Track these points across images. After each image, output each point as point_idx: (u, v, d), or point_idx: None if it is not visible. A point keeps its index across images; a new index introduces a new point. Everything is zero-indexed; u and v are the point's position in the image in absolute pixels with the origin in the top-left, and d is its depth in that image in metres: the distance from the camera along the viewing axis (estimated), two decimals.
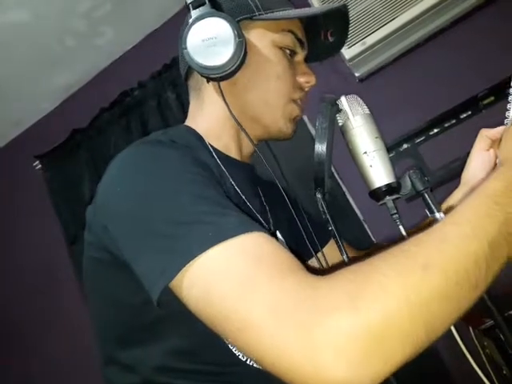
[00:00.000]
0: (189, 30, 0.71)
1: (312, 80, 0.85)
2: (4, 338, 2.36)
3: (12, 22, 1.90)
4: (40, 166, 2.41)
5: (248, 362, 0.69)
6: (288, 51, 0.83)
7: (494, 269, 0.50)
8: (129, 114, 2.24)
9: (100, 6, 2.03)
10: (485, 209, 0.53)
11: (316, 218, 0.96)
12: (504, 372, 1.01)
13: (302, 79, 0.84)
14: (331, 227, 0.69)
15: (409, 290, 0.46)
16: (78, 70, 2.34)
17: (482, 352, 1.02)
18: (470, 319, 1.02)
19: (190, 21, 0.71)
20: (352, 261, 0.60)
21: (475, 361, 0.69)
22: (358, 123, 0.71)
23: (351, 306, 0.45)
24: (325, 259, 0.91)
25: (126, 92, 2.25)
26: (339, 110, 0.73)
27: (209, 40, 0.70)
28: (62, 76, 2.33)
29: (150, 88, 2.21)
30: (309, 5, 1.81)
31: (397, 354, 0.45)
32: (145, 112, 2.21)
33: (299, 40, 0.84)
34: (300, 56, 0.86)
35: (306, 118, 1.92)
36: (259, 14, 0.79)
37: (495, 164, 0.77)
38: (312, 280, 0.49)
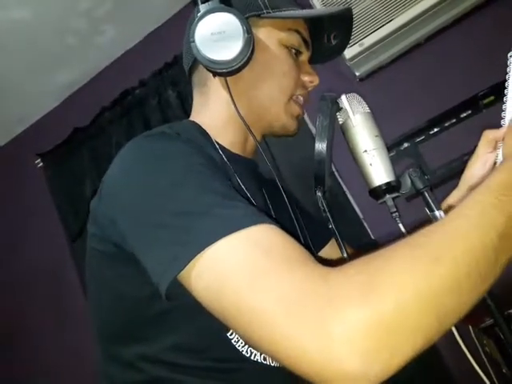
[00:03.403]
0: (198, 23, 0.70)
1: (315, 80, 0.86)
2: (7, 337, 2.36)
3: (13, 20, 1.90)
4: (42, 163, 2.42)
5: (252, 358, 0.69)
6: (293, 50, 0.84)
7: (503, 260, 0.51)
8: (130, 112, 2.24)
9: (101, 5, 2.03)
10: (492, 201, 0.53)
11: (317, 217, 0.97)
12: (504, 371, 1.01)
13: (306, 78, 0.85)
14: (331, 225, 0.69)
15: (420, 282, 0.46)
16: (80, 68, 2.34)
17: (481, 351, 1.02)
18: (469, 318, 1.02)
19: (199, 14, 0.71)
20: (352, 259, 0.60)
21: (475, 359, 0.69)
22: (358, 122, 0.72)
23: (363, 298, 0.45)
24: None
25: (127, 90, 2.25)
26: (339, 109, 0.74)
27: (217, 34, 0.70)
28: (64, 74, 2.33)
29: (151, 86, 2.21)
30: (311, 7, 1.81)
31: (408, 345, 0.45)
32: (146, 110, 2.21)
33: (304, 40, 0.85)
34: (304, 56, 0.87)
35: (306, 117, 1.92)
36: (267, 12, 0.80)
37: (494, 163, 0.78)
38: (323, 271, 0.49)
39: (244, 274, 0.50)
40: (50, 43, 2.10)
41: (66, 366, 2.18)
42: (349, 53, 1.72)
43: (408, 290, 0.45)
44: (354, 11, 1.71)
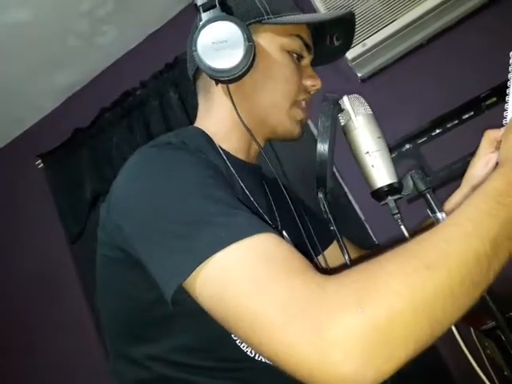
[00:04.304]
0: (199, 32, 0.71)
1: (318, 84, 0.86)
2: (7, 339, 2.36)
3: (14, 21, 1.90)
4: (42, 164, 2.42)
5: (256, 358, 0.70)
6: (295, 55, 0.84)
7: (496, 267, 0.52)
8: (131, 113, 2.24)
9: (102, 6, 2.03)
10: (486, 208, 0.54)
11: (322, 218, 0.97)
12: (505, 373, 1.01)
13: (308, 83, 0.85)
14: (332, 227, 0.69)
15: (414, 290, 0.47)
16: (80, 69, 2.34)
17: (483, 353, 1.02)
18: (471, 320, 1.02)
19: (201, 23, 0.72)
20: (354, 261, 0.60)
21: (476, 361, 0.69)
22: (360, 123, 0.72)
23: (358, 306, 0.46)
24: (325, 261, 0.92)
25: (127, 92, 2.25)
26: (341, 110, 0.73)
27: (219, 43, 0.71)
28: (64, 75, 2.33)
29: (151, 88, 2.21)
30: (312, 7, 1.81)
31: (402, 351, 0.46)
32: (147, 112, 2.20)
33: (306, 44, 0.85)
34: (306, 60, 0.87)
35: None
36: (268, 18, 0.80)
37: (497, 163, 0.78)
38: (320, 280, 0.51)
39: (245, 281, 0.52)
40: (50, 44, 2.10)
41: (66, 367, 2.18)
42: (351, 53, 1.72)
43: (401, 297, 0.47)
44: (357, 12, 1.70)
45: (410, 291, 0.47)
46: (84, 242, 2.23)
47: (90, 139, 2.32)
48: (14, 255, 2.44)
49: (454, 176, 1.69)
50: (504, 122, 0.75)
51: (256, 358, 0.70)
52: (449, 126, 1.78)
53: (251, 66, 0.75)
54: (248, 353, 0.69)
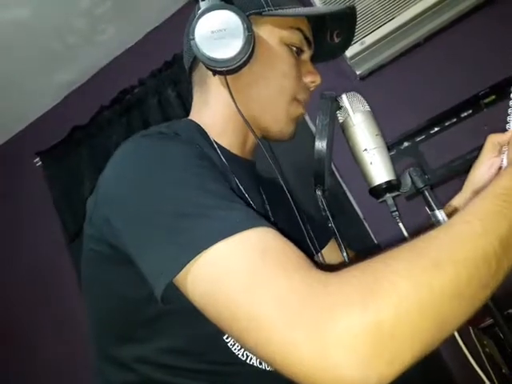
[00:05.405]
0: (198, 20, 0.69)
1: (317, 80, 0.84)
2: (4, 338, 2.36)
3: (13, 19, 1.90)
4: (40, 162, 2.41)
5: (248, 362, 0.67)
6: (295, 49, 0.82)
7: (505, 266, 0.50)
8: (129, 111, 2.24)
9: (101, 4, 2.03)
10: (495, 207, 0.52)
11: (317, 218, 0.96)
12: (503, 371, 1.01)
13: (307, 79, 0.84)
14: (331, 224, 0.69)
15: (420, 288, 0.45)
16: (79, 67, 2.33)
17: (481, 351, 1.02)
18: (470, 318, 1.02)
19: (199, 12, 0.70)
20: (352, 260, 0.59)
21: (475, 359, 0.69)
22: (358, 120, 0.72)
23: (362, 304, 0.44)
24: (324, 260, 0.91)
25: (126, 89, 2.25)
26: (340, 107, 0.73)
27: (218, 32, 0.69)
28: (63, 73, 2.33)
29: (150, 86, 2.20)
30: (311, 5, 1.81)
31: (408, 352, 0.44)
32: (145, 110, 2.20)
33: (306, 39, 0.83)
34: (306, 55, 0.85)
35: (306, 115, 1.91)
36: (268, 10, 0.78)
37: (500, 167, 0.77)
38: (321, 276, 0.48)
39: (240, 278, 0.49)
40: (49, 42, 2.10)
41: (65, 366, 2.18)
42: (350, 51, 1.72)
43: (408, 296, 0.44)
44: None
45: (416, 290, 0.45)
46: (82, 240, 2.22)
47: (88, 137, 2.31)
48: (11, 254, 2.44)
49: (453, 174, 1.69)
50: (507, 126, 0.75)
51: (248, 361, 0.67)
52: (447, 124, 1.77)
53: (250, 56, 0.73)
54: (239, 356, 0.66)
